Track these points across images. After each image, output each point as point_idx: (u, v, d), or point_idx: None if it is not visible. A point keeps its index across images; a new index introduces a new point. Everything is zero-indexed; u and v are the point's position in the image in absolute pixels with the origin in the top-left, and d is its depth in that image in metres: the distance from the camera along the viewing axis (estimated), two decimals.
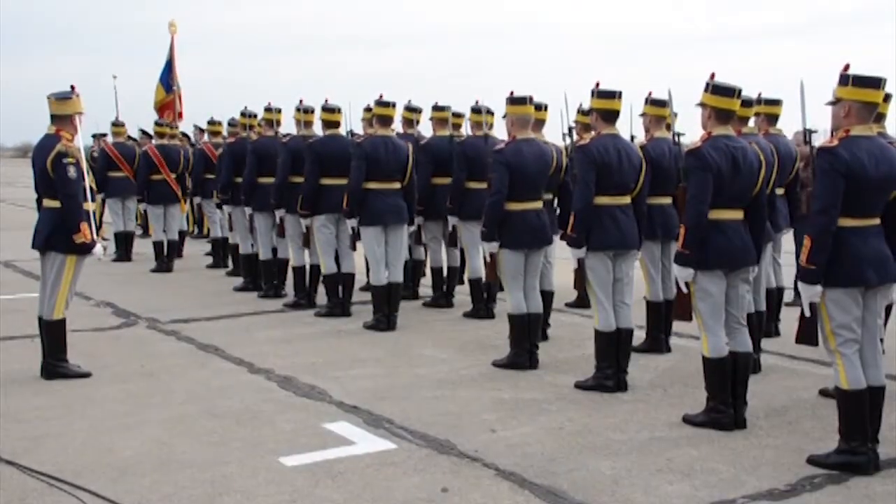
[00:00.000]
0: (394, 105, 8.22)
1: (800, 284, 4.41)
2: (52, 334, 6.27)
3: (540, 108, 7.32)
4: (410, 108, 9.23)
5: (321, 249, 8.35)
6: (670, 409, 5.37)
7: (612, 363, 5.81)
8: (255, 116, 10.17)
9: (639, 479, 4.30)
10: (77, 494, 4.16)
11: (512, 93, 6.46)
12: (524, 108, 6.42)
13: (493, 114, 8.19)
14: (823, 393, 5.60)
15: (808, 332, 4.47)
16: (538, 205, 6.50)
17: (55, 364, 6.26)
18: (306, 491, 4.18)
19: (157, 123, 13.08)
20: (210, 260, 12.15)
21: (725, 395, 5.02)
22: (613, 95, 5.88)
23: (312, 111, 8.89)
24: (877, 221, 4.43)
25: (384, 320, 7.77)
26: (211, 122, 12.37)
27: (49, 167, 6.09)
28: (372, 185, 7.75)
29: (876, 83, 4.34)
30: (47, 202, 6.22)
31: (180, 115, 15.07)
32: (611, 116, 5.91)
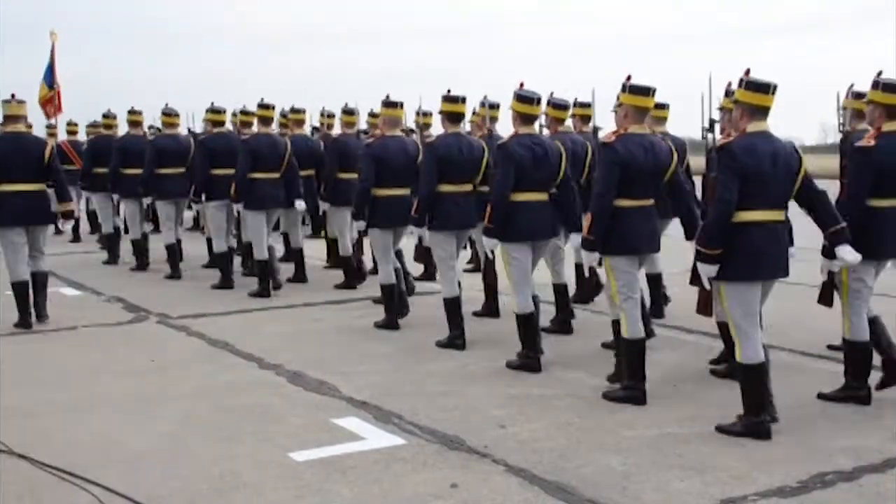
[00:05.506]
0: (273, 108, 9.39)
1: (582, 252, 5.47)
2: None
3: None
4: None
5: (251, 234, 9.29)
6: (680, 406, 5.35)
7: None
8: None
9: (649, 476, 4.29)
10: (88, 488, 4.17)
11: (388, 96, 7.60)
12: (395, 111, 7.68)
13: (372, 114, 9.53)
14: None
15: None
16: (403, 192, 7.57)
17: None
18: (315, 486, 4.19)
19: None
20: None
21: (534, 343, 6.17)
22: (457, 100, 6.96)
23: (223, 111, 10.13)
24: (650, 202, 5.44)
25: (268, 288, 9.11)
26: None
27: (49, 157, 7.59)
28: (256, 175, 8.94)
29: (646, 91, 5.30)
30: (38, 185, 7.62)
31: (60, 108, 16.42)
32: (455, 118, 6.99)
